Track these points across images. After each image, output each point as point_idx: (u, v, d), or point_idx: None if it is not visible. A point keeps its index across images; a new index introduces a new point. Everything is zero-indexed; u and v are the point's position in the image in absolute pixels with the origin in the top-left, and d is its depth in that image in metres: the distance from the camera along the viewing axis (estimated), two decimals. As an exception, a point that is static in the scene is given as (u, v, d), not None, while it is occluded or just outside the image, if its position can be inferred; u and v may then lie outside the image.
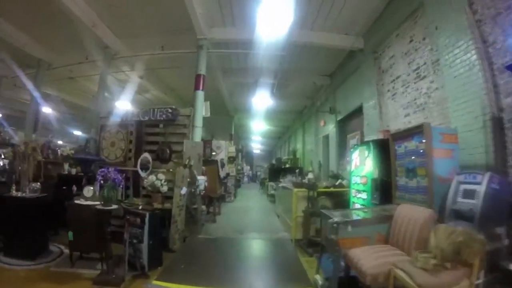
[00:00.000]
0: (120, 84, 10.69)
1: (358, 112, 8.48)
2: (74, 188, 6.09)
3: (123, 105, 10.00)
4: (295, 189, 6.42)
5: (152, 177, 6.00)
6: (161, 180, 5.98)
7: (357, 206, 5.39)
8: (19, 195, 5.48)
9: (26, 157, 5.89)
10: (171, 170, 6.27)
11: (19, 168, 5.90)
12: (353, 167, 5.85)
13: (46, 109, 12.50)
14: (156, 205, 5.91)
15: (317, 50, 8.76)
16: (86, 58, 8.94)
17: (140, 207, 5.24)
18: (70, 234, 5.02)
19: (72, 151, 8.94)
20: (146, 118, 6.66)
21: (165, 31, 7.88)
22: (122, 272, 4.38)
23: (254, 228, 7.84)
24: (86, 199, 5.34)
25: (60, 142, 16.21)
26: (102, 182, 4.94)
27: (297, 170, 11.01)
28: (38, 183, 5.90)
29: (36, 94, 9.61)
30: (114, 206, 4.57)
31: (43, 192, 6.03)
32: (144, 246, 4.72)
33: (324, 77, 11.04)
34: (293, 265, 4.98)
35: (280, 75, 10.02)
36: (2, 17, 7.71)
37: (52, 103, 12.83)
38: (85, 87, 11.20)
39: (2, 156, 7.09)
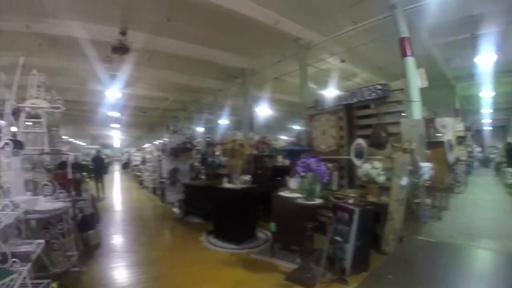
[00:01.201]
0: (323, 73, 10.50)
1: None
2: (287, 178, 6.01)
3: (331, 93, 9.68)
4: None
5: (367, 166, 5.23)
6: (377, 169, 5.14)
7: None
8: (229, 186, 6.16)
9: (234, 153, 6.27)
10: (389, 156, 5.32)
11: (229, 162, 6.59)
12: None
13: (261, 109, 13.66)
14: (371, 198, 5.12)
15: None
16: (282, 56, 9.07)
17: (351, 201, 4.56)
18: (273, 225, 5.05)
19: (285, 144, 9.37)
20: (355, 100, 5.99)
21: (349, 4, 7.01)
22: (318, 273, 3.89)
23: (491, 232, 5.89)
24: (292, 191, 5.17)
25: (281, 137, 17.79)
26: (302, 173, 4.50)
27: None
28: (248, 176, 6.43)
29: (246, 98, 10.57)
30: (317, 201, 4.14)
31: (258, 182, 6.65)
32: (349, 247, 4.06)
33: None
34: None
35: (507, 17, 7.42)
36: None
37: (265, 103, 13.92)
38: (292, 84, 11.50)
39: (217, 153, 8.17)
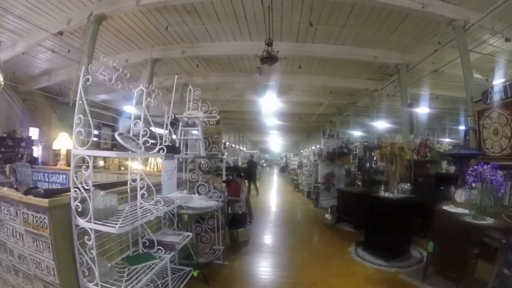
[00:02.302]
0: (488, 59, 8.74)
1: None
2: (453, 189, 5.13)
3: (501, 82, 8.01)
4: None
5: (555, 174, 4.01)
6: None
7: None
8: (386, 195, 5.62)
9: (393, 158, 5.72)
10: None
11: (387, 169, 5.98)
12: None
13: (421, 109, 12.31)
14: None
15: None
16: (439, 43, 7.90)
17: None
18: (430, 245, 4.31)
19: (450, 147, 8.13)
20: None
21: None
22: None
23: None
24: (457, 205, 4.32)
25: (445, 139, 15.73)
26: (472, 184, 3.69)
27: None
28: (408, 184, 5.79)
29: (404, 96, 9.64)
30: (488, 221, 3.33)
31: (418, 192, 5.98)
32: None
33: None
34: None
35: None
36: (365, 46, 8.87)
37: (425, 102, 12.48)
38: (453, 75, 9.93)
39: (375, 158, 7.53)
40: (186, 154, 4.71)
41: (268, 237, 7.12)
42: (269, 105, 13.39)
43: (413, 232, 5.99)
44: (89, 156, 2.38)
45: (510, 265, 3.28)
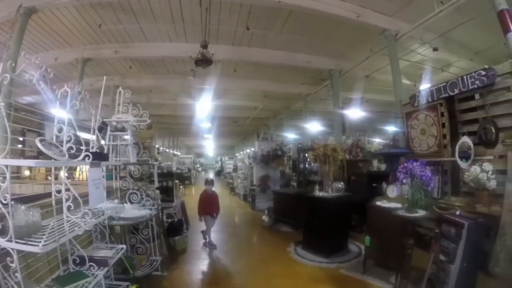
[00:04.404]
0: (416, 66, 9.58)
1: None
2: (384, 185, 5.44)
3: (427, 87, 8.79)
4: None
5: (475, 169, 4.38)
6: (487, 172, 4.27)
7: None
8: (321, 194, 5.81)
9: (326, 158, 5.90)
10: (500, 156, 4.38)
11: (321, 169, 6.17)
12: None
13: (352, 112, 13.03)
14: (480, 208, 4.26)
15: None
16: (371, 51, 8.43)
17: (458, 213, 3.83)
18: (367, 239, 4.56)
19: (380, 147, 8.65)
20: (456, 91, 5.14)
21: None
22: None
23: None
24: (389, 200, 4.58)
25: (376, 140, 16.77)
26: (403, 180, 3.89)
27: None
28: (342, 183, 6.04)
29: (336, 100, 10.11)
30: (421, 213, 3.53)
31: (352, 190, 6.31)
32: (454, 269, 3.34)
33: None
34: None
35: None
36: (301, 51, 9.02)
37: (357, 105, 13.24)
38: (383, 81, 10.67)
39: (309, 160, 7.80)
40: (118, 161, 4.40)
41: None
42: (204, 109, 13.20)
43: (350, 228, 6.26)
44: (6, 166, 2.06)
45: (445, 252, 3.55)
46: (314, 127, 15.69)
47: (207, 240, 6.45)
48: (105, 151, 4.21)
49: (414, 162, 3.83)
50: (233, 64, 9.75)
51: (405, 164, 3.91)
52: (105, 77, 4.68)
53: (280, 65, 9.89)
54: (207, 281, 4.74)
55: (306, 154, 9.63)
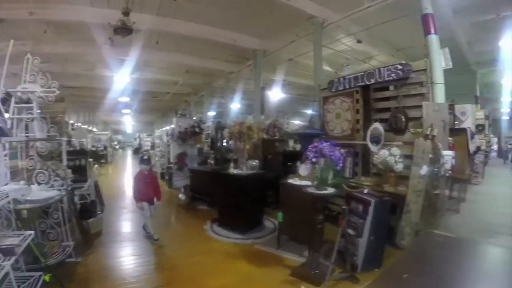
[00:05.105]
0: (339, 55, 10.09)
1: None
2: (298, 164, 5.69)
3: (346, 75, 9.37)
4: None
5: (384, 152, 4.83)
6: (395, 156, 4.74)
7: None
8: (235, 172, 5.84)
9: (242, 136, 5.95)
10: (408, 143, 4.90)
11: (236, 147, 6.22)
12: None
13: (273, 93, 13.32)
14: (387, 188, 4.75)
15: None
16: (296, 36, 8.66)
17: (366, 191, 4.19)
18: (280, 215, 4.76)
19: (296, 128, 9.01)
20: (373, 81, 5.54)
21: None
22: (327, 269, 3.58)
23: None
24: (301, 178, 4.82)
25: (294, 122, 17.40)
26: (313, 159, 4.04)
27: None
28: (256, 161, 6.18)
29: (258, 80, 10.24)
30: (330, 190, 3.73)
31: (268, 168, 6.44)
32: (362, 242, 3.76)
33: None
34: None
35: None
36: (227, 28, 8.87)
37: (278, 87, 13.56)
38: (306, 65, 11.10)
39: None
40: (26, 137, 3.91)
41: (122, 225, 6.68)
42: (123, 81, 12.35)
43: (265, 204, 6.43)
44: None
45: (353, 226, 3.89)
46: (235, 106, 15.77)
47: (148, 234, 5.48)
48: (9, 126, 3.70)
49: (324, 143, 4.00)
50: (156, 35, 9.26)
51: (316, 144, 4.10)
52: (12, 41, 4.11)
53: (204, 40, 9.66)
54: (125, 263, 4.52)
55: (224, 132, 9.64)
